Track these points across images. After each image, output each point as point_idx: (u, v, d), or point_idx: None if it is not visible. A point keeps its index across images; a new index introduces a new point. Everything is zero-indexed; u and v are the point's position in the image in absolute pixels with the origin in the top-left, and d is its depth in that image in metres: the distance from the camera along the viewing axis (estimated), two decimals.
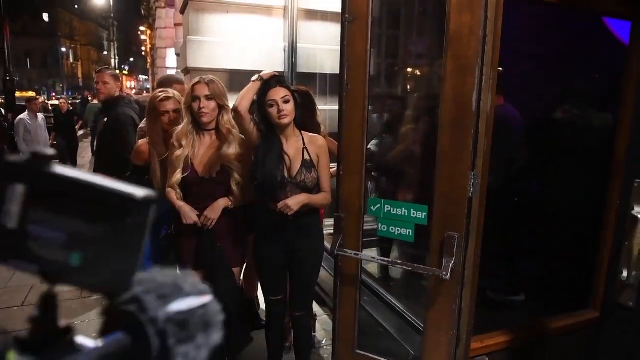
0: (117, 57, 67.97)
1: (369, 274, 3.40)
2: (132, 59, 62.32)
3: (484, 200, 2.08)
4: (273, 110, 2.31)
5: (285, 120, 2.32)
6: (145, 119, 2.98)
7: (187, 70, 4.58)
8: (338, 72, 2.28)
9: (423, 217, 2.14)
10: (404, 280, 3.52)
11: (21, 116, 6.89)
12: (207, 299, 0.51)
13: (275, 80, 2.35)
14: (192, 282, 0.52)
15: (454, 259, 2.04)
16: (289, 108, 2.31)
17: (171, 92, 2.74)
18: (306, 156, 2.39)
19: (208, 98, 2.34)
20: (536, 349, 2.66)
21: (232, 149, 2.39)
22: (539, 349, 2.67)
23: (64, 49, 54.38)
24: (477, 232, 2.10)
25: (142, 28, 31.90)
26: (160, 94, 2.70)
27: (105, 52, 68.26)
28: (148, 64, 32.37)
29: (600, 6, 2.43)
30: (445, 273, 2.03)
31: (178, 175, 2.35)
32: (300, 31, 4.57)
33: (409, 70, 3.98)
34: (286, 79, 2.43)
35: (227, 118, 2.42)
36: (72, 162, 8.38)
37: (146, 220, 0.51)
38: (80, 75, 59.20)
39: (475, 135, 1.99)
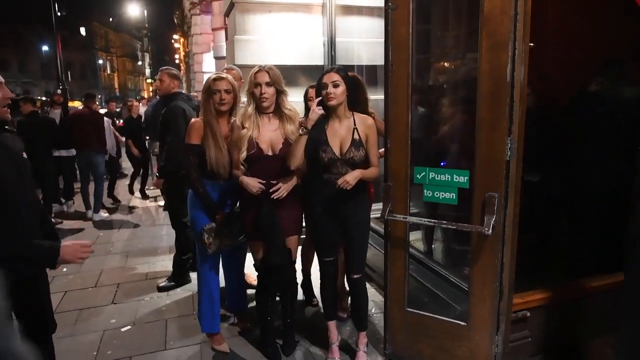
0: (150, 67, 69.95)
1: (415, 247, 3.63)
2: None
3: (520, 163, 2.30)
4: (324, 93, 2.58)
5: (332, 102, 2.57)
6: None
7: None
8: (373, 63, 2.52)
9: (465, 180, 2.37)
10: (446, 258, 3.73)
11: None
12: None
13: (331, 67, 2.63)
14: None
15: (494, 216, 2.28)
16: (337, 92, 2.56)
17: (224, 74, 2.94)
18: (355, 135, 2.62)
19: (268, 85, 2.64)
20: (573, 306, 2.85)
21: (292, 126, 2.69)
22: (576, 306, 2.85)
23: (100, 61, 56.45)
24: (516, 193, 2.32)
25: (175, 36, 32.82)
26: (213, 75, 2.92)
27: (140, 62, 70.36)
28: (182, 72, 33.30)
29: None
30: (487, 229, 2.27)
31: (243, 154, 2.65)
32: (338, 26, 4.85)
33: (444, 59, 4.18)
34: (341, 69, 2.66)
35: (286, 100, 2.73)
36: (144, 172, 8.18)
37: None
38: (117, 85, 61.28)
39: (510, 104, 2.22)
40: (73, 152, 6.77)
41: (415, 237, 4.07)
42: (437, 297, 3.03)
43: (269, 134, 2.70)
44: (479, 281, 2.45)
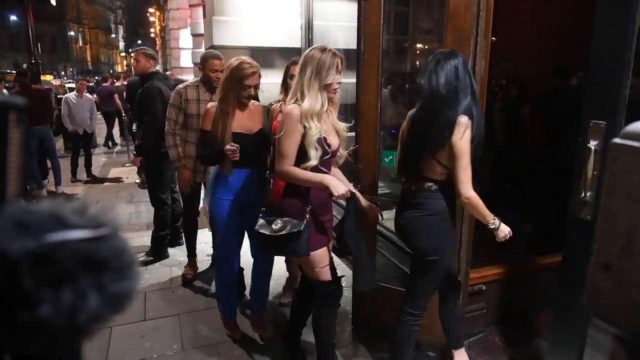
0: (124, 40, 68.22)
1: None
2: (139, 42, 62.45)
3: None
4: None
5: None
6: None
7: (212, 48, 4.98)
8: (350, 47, 2.65)
9: None
10: None
11: (67, 95, 7.62)
12: (99, 232, 0.40)
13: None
14: (87, 214, 0.41)
15: None
16: None
17: (254, 64, 2.64)
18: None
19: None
20: (525, 281, 3.10)
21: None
22: (527, 281, 3.10)
23: (72, 33, 54.70)
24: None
25: (150, 10, 32.14)
26: (246, 65, 2.58)
27: (113, 35, 68.41)
28: (157, 46, 32.68)
29: None
30: None
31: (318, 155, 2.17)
32: (316, 9, 4.95)
33: (418, 45, 4.36)
34: None
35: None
36: None
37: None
38: (89, 58, 59.62)
39: None
40: None
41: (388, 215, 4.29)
42: (403, 272, 3.25)
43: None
44: None
